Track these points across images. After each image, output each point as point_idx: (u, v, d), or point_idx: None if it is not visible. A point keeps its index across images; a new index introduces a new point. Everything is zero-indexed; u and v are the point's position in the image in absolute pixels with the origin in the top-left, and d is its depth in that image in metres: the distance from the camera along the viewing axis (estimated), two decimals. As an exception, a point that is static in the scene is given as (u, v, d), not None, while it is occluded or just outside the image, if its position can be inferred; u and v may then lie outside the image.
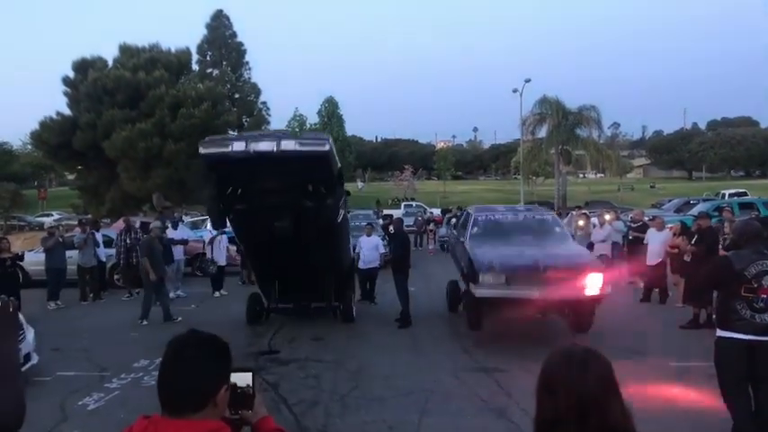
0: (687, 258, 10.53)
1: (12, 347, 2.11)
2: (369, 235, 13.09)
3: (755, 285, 4.72)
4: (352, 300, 11.37)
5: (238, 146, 8.36)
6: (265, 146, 8.28)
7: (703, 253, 9.84)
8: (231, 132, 49.87)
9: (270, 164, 8.53)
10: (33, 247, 16.82)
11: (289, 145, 8.27)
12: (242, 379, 1.84)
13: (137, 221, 21.54)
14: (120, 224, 23.29)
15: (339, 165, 9.75)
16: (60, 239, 13.88)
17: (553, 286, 8.68)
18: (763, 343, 4.70)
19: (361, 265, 12.71)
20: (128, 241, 14.65)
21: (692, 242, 10.50)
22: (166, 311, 11.47)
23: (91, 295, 14.12)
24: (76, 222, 20.84)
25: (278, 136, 8.68)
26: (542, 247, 9.71)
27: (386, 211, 33.32)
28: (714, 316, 8.79)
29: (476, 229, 10.77)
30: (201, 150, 8.68)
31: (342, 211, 10.13)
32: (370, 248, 12.64)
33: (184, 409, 1.68)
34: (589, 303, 9.05)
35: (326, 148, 8.46)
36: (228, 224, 10.38)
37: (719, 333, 5.00)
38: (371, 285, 12.96)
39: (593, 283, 8.70)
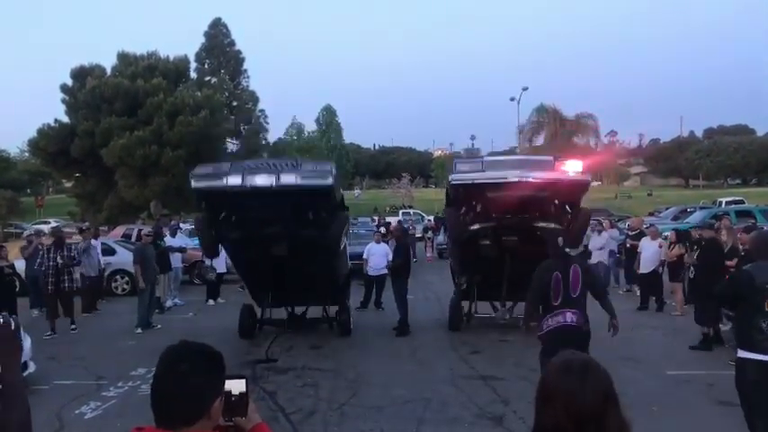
0: (691, 274, 9.94)
1: (17, 363, 2.15)
2: (378, 242, 13.07)
3: None
4: (348, 311, 11.13)
5: (234, 180, 7.94)
6: (263, 180, 7.87)
7: (707, 265, 9.21)
8: (230, 141, 50.07)
9: (268, 195, 8.16)
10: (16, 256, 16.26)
11: (289, 179, 7.87)
12: (235, 386, 1.83)
13: (134, 229, 21.58)
14: (119, 231, 23.25)
15: (342, 193, 9.39)
16: (39, 247, 13.65)
17: (533, 169, 8.32)
18: None
19: (369, 271, 12.71)
20: (59, 261, 11.35)
21: (695, 254, 9.94)
22: (144, 318, 11.43)
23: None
24: (76, 230, 20.48)
25: (277, 168, 8.15)
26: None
27: (387, 219, 33.30)
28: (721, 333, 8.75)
29: None
30: (194, 184, 8.28)
31: (344, 240, 9.86)
32: (379, 255, 12.61)
33: (178, 422, 1.68)
34: (575, 188, 8.68)
35: (329, 181, 8.06)
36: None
37: (741, 354, 4.64)
38: (378, 291, 12.96)
39: (573, 167, 8.31)
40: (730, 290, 4.90)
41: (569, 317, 5.69)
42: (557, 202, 9.10)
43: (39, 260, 11.80)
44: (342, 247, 9.83)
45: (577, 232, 9.00)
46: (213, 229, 9.27)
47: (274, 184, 7.86)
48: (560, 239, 6.14)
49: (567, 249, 6.19)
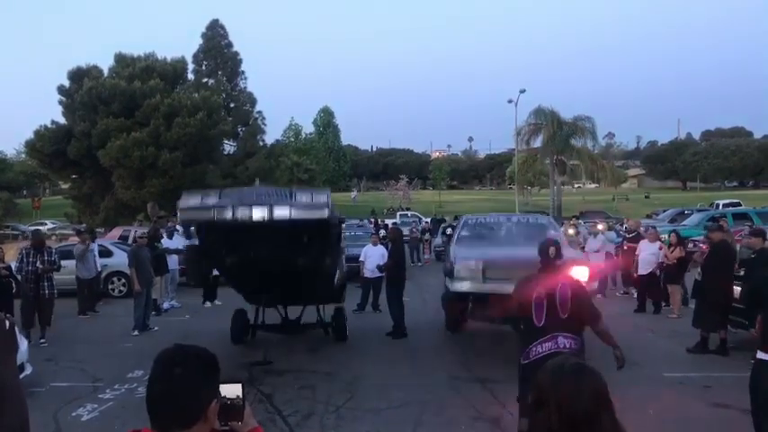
0: (698, 277, 9.52)
1: (13, 363, 2.15)
2: (375, 244, 13.05)
3: None
4: (344, 316, 10.81)
5: (223, 213, 7.70)
6: (255, 214, 7.65)
7: (716, 268, 9.00)
8: (227, 143, 49.95)
9: (260, 227, 7.92)
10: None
11: (283, 212, 7.67)
12: (232, 390, 1.83)
13: (131, 231, 21.50)
14: (116, 233, 23.16)
15: (339, 219, 9.27)
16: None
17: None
18: None
19: (366, 273, 12.69)
20: (39, 266, 10.72)
21: (704, 257, 9.69)
22: (140, 321, 11.39)
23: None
24: (74, 232, 20.36)
25: (270, 200, 7.84)
26: (530, 247, 9.14)
27: (386, 221, 33.22)
28: (718, 339, 8.70)
29: (465, 231, 10.57)
30: (180, 216, 8.22)
31: (338, 272, 9.83)
32: (376, 257, 12.59)
33: (173, 425, 1.68)
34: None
35: (325, 214, 7.84)
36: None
37: (760, 356, 4.60)
38: (375, 294, 12.95)
39: (578, 275, 7.60)
40: (755, 291, 4.82)
41: (562, 342, 4.74)
42: None
43: (18, 264, 11.02)
44: (337, 280, 9.88)
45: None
46: (204, 260, 9.14)
47: (266, 217, 7.65)
48: (552, 249, 5.11)
49: (558, 262, 5.17)
